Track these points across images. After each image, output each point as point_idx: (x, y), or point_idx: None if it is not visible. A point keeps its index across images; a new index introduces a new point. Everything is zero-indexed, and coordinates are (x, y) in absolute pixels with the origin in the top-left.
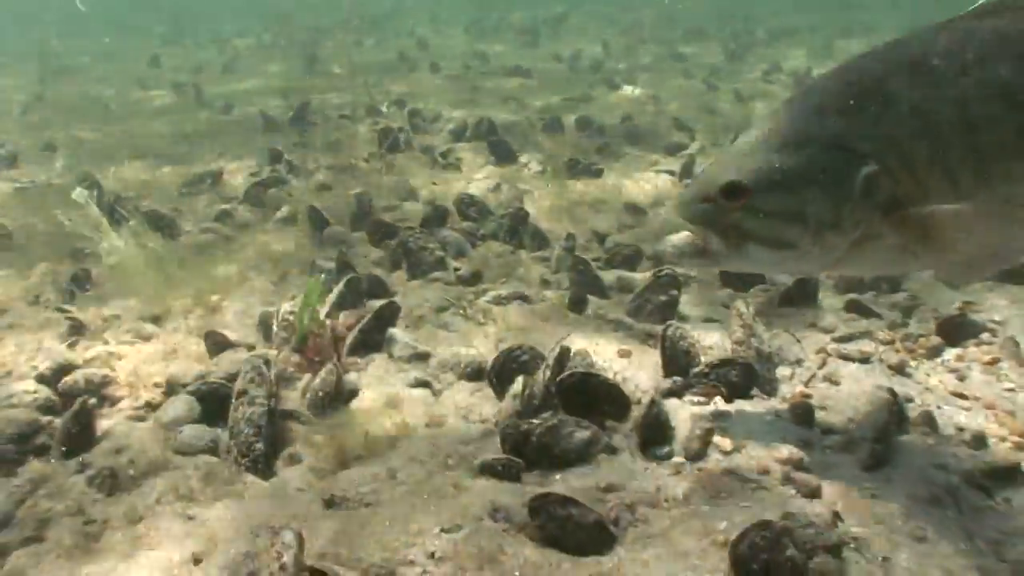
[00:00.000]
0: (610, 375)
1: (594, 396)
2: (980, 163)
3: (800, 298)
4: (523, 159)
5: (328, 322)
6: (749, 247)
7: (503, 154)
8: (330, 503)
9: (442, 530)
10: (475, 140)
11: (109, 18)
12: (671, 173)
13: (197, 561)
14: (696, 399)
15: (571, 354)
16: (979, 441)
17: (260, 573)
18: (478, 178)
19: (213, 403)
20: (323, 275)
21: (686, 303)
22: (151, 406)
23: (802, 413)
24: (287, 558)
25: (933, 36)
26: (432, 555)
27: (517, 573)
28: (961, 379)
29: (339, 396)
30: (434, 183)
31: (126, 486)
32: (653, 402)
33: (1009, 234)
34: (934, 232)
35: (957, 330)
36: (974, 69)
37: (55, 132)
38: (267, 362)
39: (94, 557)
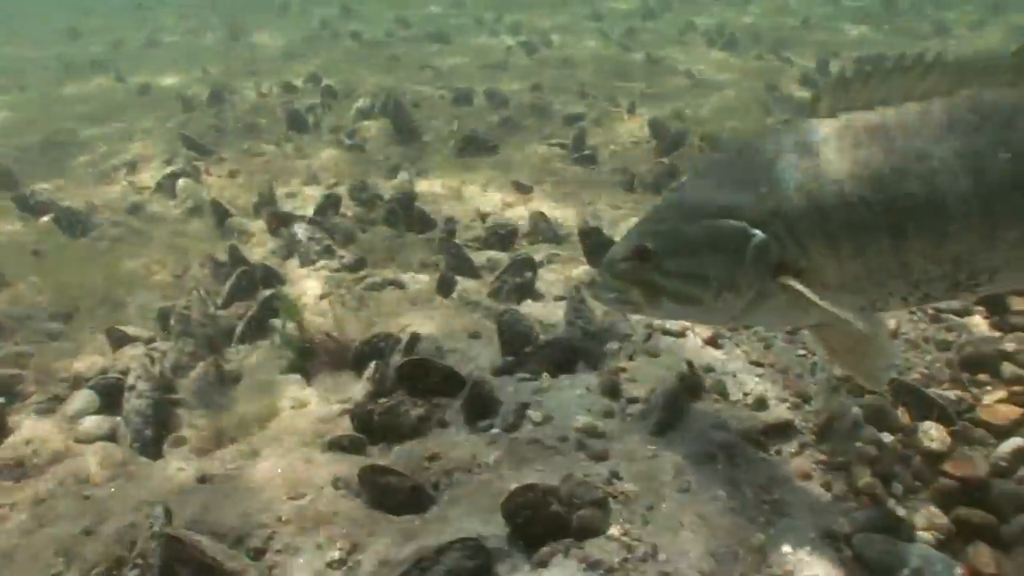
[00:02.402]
0: (456, 356)
1: (431, 377)
2: (855, 237)
3: None
4: (426, 137)
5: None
6: (662, 301)
7: (406, 133)
8: (202, 479)
9: (289, 498)
10: (382, 118)
11: None
12: (563, 146)
13: (88, 533)
14: (524, 376)
15: (420, 339)
16: (760, 403)
17: (138, 540)
18: (379, 159)
19: (111, 395)
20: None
21: (546, 282)
22: (59, 399)
23: (609, 386)
24: (156, 527)
25: (818, 125)
26: (279, 518)
27: (345, 530)
28: (767, 347)
29: (223, 383)
30: (337, 165)
31: (32, 473)
32: (476, 382)
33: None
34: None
35: None
36: (849, 154)
37: None
38: (153, 359)
39: (1, 537)
